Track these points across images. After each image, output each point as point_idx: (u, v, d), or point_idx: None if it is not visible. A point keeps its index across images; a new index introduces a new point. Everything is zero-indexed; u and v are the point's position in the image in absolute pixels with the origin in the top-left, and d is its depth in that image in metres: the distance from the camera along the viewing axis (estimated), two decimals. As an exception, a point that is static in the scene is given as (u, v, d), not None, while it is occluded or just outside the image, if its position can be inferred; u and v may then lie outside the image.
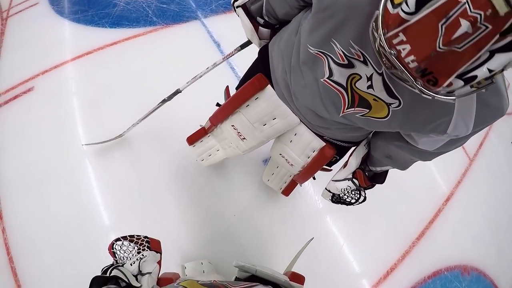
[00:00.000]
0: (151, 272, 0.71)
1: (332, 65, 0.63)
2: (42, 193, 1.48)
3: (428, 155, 0.73)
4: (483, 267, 1.81)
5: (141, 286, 0.67)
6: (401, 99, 0.57)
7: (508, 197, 2.21)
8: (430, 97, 0.43)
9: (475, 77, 0.39)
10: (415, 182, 1.97)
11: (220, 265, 1.39)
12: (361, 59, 0.57)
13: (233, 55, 1.07)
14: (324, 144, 0.95)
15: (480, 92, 0.43)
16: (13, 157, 1.57)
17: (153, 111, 1.29)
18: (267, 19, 0.88)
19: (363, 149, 0.92)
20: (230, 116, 1.02)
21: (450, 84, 0.40)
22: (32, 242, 1.38)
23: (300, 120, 0.93)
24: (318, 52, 0.64)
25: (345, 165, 0.95)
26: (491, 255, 1.88)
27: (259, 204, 1.60)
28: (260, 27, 0.87)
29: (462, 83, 0.40)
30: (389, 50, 0.42)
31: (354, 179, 0.94)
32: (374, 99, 0.61)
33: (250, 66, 1.01)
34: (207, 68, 1.12)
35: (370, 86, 0.59)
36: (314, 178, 1.16)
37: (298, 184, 1.32)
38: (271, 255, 1.48)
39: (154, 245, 0.81)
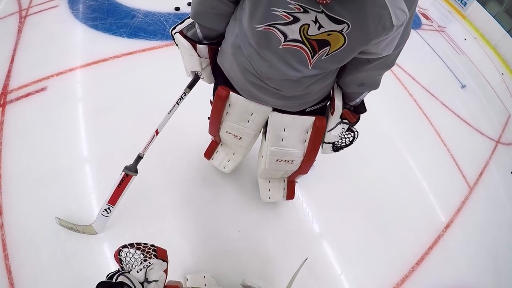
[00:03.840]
0: (157, 280, 0.71)
1: (282, 28, 0.69)
2: (43, 193, 1.47)
3: (391, 60, 0.82)
4: (482, 293, 1.80)
5: None
6: (347, 21, 0.64)
7: (507, 227, 2.22)
8: None
9: None
10: (416, 208, 2.00)
11: (222, 280, 1.37)
12: (301, 10, 0.64)
13: (184, 97, 1.14)
14: (313, 118, 1.02)
15: None
16: (17, 154, 1.57)
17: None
18: (207, 42, 0.98)
19: (339, 90, 1.01)
20: (221, 125, 1.16)
21: None
22: (30, 240, 1.35)
23: (280, 111, 1.02)
24: (266, 27, 0.71)
25: (332, 112, 1.02)
26: (488, 282, 1.87)
27: (264, 222, 1.60)
28: (197, 44, 0.96)
29: None
30: None
31: (344, 121, 1.05)
32: (328, 34, 0.67)
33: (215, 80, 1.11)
34: (164, 118, 1.18)
35: (320, 26, 0.66)
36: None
37: (296, 184, 1.42)
38: (273, 273, 1.47)
39: (160, 254, 0.81)
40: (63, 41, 2.18)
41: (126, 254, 0.77)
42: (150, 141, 1.21)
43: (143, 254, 0.78)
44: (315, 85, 0.88)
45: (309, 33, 0.68)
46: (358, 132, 1.10)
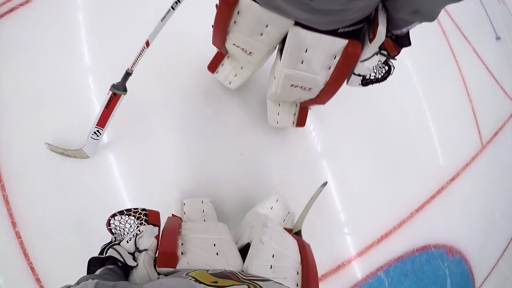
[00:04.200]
0: (147, 249, 0.68)
1: None
2: (34, 117, 1.39)
3: None
4: (466, 253, 1.85)
5: (137, 265, 0.64)
6: None
7: (507, 195, 2.19)
8: None
9: None
10: (426, 155, 1.93)
11: (220, 206, 1.35)
12: None
13: (181, 1, 0.96)
14: (346, 41, 0.84)
15: None
16: (7, 76, 1.45)
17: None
18: None
19: (384, 13, 0.81)
20: (227, 36, 0.99)
21: None
22: (24, 167, 1.33)
23: (304, 26, 0.83)
24: None
25: (371, 39, 0.84)
26: (476, 244, 1.91)
27: (269, 146, 1.52)
28: None
29: None
30: None
31: (382, 51, 0.88)
32: None
33: None
34: (155, 27, 1.01)
35: None
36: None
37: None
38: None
39: (152, 218, 0.78)
40: None
41: (119, 222, 0.75)
42: (140, 54, 1.07)
43: (134, 220, 0.76)
44: (359, 1, 0.68)
45: None
46: (394, 67, 0.93)
